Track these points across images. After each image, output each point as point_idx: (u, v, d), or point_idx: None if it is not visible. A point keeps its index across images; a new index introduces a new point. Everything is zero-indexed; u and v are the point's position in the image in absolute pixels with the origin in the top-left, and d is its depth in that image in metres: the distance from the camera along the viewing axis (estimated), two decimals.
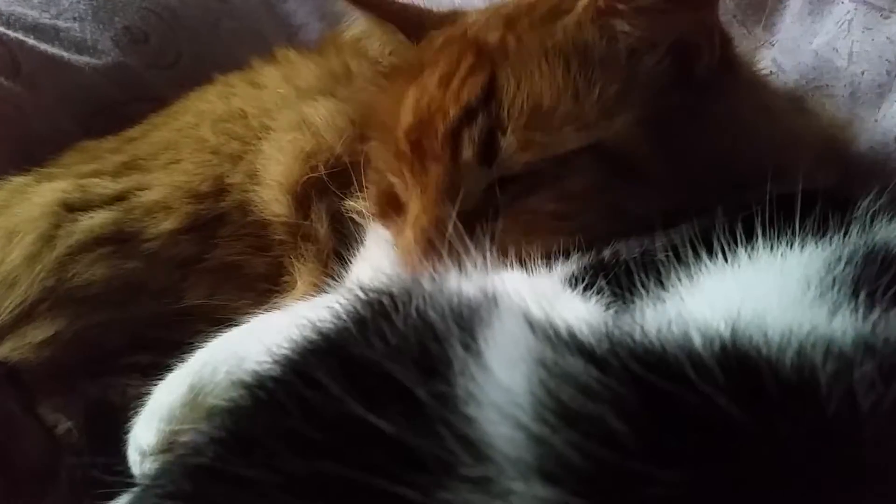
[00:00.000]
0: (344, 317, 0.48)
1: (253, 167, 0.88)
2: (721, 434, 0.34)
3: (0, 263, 0.82)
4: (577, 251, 0.64)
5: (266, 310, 0.80)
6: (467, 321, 0.42)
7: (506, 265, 0.61)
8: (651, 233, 0.62)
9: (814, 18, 0.92)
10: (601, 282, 0.55)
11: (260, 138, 0.90)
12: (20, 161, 0.96)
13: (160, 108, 1.04)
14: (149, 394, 0.67)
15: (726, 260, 0.51)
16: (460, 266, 0.52)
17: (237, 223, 0.86)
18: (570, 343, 0.39)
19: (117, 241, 0.85)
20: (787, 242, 0.52)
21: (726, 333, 0.39)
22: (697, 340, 0.38)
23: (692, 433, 0.34)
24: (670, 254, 0.54)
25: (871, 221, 0.55)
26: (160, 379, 0.68)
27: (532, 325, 0.40)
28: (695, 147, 0.68)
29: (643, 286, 0.52)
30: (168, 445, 0.64)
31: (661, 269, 0.53)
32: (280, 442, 0.39)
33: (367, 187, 0.80)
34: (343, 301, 0.49)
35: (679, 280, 0.51)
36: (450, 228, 0.63)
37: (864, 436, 0.35)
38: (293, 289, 0.84)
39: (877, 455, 0.35)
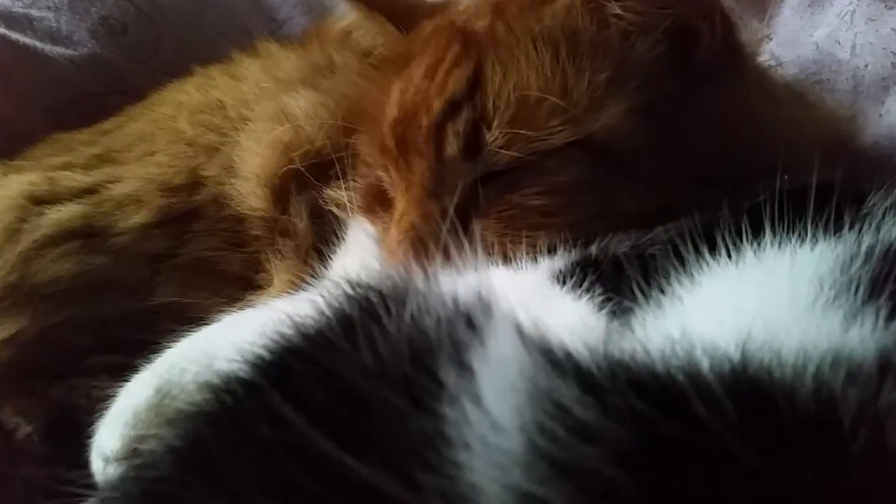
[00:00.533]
0: (328, 313, 0.44)
1: (229, 159, 0.85)
2: (733, 483, 0.30)
3: None
4: (564, 246, 0.61)
5: (241, 308, 0.77)
6: (461, 335, 0.39)
7: (492, 261, 0.58)
8: (643, 228, 0.59)
9: (814, 10, 0.89)
10: (591, 278, 0.51)
11: (237, 130, 0.87)
12: None
13: (138, 102, 1.01)
14: (115, 396, 0.64)
15: (730, 257, 0.47)
16: (451, 264, 0.49)
17: (212, 217, 0.83)
18: (565, 367, 0.35)
19: (85, 235, 0.81)
20: (798, 239, 0.47)
21: (736, 356, 0.35)
22: (704, 365, 0.34)
23: (700, 482, 0.30)
24: (669, 250, 0.50)
25: (884, 218, 0.51)
26: (127, 380, 0.65)
27: (525, 342, 0.37)
28: (692, 139, 0.65)
29: (638, 287, 0.48)
30: (132, 451, 0.60)
31: (658, 267, 0.49)
32: (240, 461, 0.36)
33: (354, 180, 0.78)
34: (327, 295, 0.45)
35: (679, 281, 0.47)
36: (436, 226, 0.61)
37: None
38: (270, 286, 0.81)
39: None
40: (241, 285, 0.81)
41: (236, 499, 0.34)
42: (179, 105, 0.94)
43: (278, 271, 0.81)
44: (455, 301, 0.41)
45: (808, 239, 0.47)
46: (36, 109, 1.05)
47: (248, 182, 0.83)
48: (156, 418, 0.60)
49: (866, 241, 0.46)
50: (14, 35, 1.06)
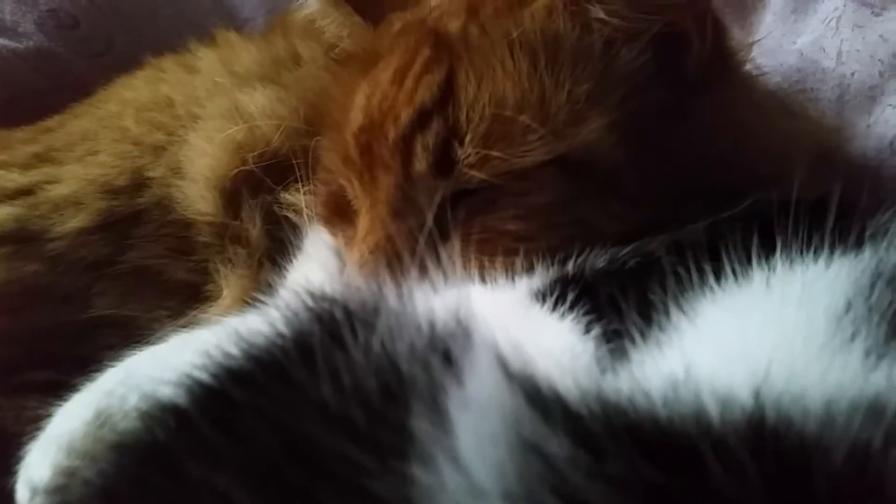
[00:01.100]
0: (283, 331, 0.39)
1: (177, 160, 0.80)
2: None
3: None
4: (541, 265, 0.57)
5: (187, 323, 0.74)
6: (437, 373, 0.34)
7: (468, 279, 0.54)
8: (622, 245, 0.55)
9: (797, 17, 0.87)
10: (572, 295, 0.46)
11: (186, 128, 0.82)
12: None
13: (87, 99, 0.96)
14: (48, 417, 0.60)
15: (734, 279, 0.42)
16: (426, 280, 0.45)
17: (156, 222, 0.78)
18: (554, 412, 0.30)
19: (18, 240, 0.77)
20: (808, 259, 0.42)
21: (749, 402, 0.30)
22: (714, 413, 0.29)
23: None
24: (660, 267, 0.45)
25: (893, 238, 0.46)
26: (63, 401, 0.61)
27: (508, 379, 0.31)
28: (679, 152, 0.61)
29: (627, 308, 0.42)
30: (64, 482, 0.56)
31: (647, 286, 0.44)
32: None
33: (314, 185, 0.74)
34: (284, 307, 0.40)
35: (675, 304, 0.42)
36: (402, 248, 0.58)
37: None
38: (219, 299, 0.76)
39: None
40: (186, 297, 0.77)
41: None
42: (126, 102, 0.89)
43: (228, 282, 0.76)
44: (431, 325, 0.36)
45: (820, 259, 0.42)
46: None
47: (195, 184, 0.78)
48: (93, 446, 0.56)
49: (880, 264, 0.41)
50: None
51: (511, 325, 0.45)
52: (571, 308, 0.47)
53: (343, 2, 0.73)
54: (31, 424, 0.60)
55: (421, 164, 0.61)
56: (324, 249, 0.72)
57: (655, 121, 0.60)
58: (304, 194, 0.74)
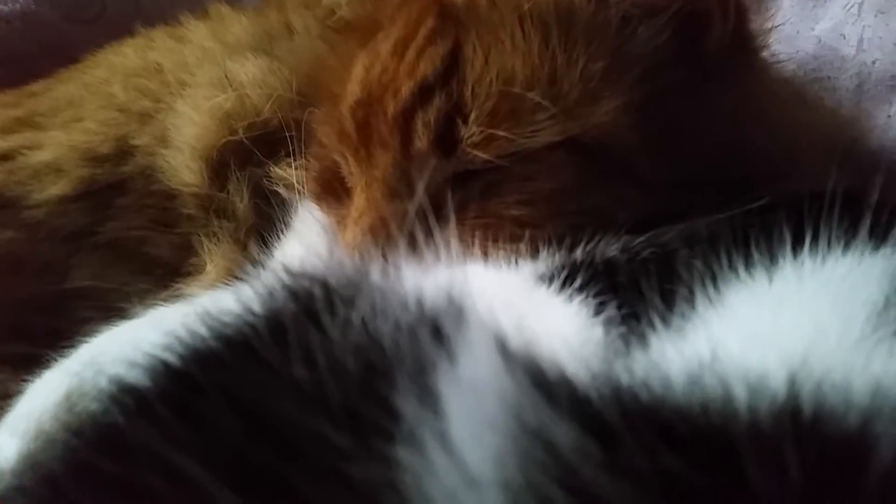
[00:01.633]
0: (255, 309, 0.36)
1: (163, 128, 0.77)
2: None
3: None
4: (546, 250, 0.54)
5: (168, 298, 0.71)
6: (426, 348, 0.31)
7: (466, 259, 0.50)
8: (633, 234, 0.52)
9: (817, 2, 0.83)
10: (582, 279, 0.43)
11: (174, 95, 0.79)
12: None
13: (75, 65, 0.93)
14: (20, 393, 0.59)
15: (761, 271, 0.39)
16: (417, 257, 0.42)
17: (139, 192, 0.75)
18: (560, 395, 0.27)
19: None
20: (840, 252, 0.39)
21: (783, 391, 0.27)
22: (744, 402, 0.26)
23: None
24: (679, 257, 0.42)
25: None
26: (35, 376, 0.59)
27: (507, 359, 0.28)
28: (694, 139, 0.58)
29: (642, 293, 0.39)
30: (31, 463, 0.51)
31: (664, 274, 0.41)
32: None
33: (306, 159, 0.70)
34: (259, 285, 0.37)
35: (700, 293, 0.38)
36: (398, 229, 0.54)
37: None
38: (202, 274, 0.73)
39: None
40: (168, 271, 0.74)
41: None
42: (114, 68, 0.86)
43: (212, 257, 0.73)
44: (420, 302, 0.33)
45: (850, 253, 0.39)
46: None
47: (181, 153, 0.75)
48: (62, 425, 0.53)
49: None
50: None
51: (512, 303, 0.42)
52: (580, 291, 0.44)
53: None
54: (1, 399, 0.59)
55: (421, 141, 0.58)
56: (314, 227, 0.69)
57: (671, 104, 0.57)
58: (296, 169, 0.71)
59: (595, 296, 0.44)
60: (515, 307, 0.41)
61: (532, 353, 0.31)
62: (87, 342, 0.60)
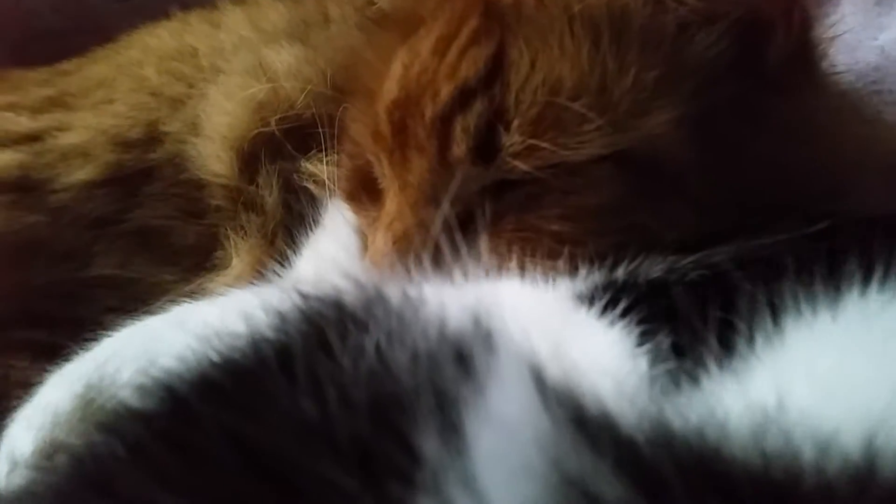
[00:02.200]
0: (266, 335, 0.34)
1: (194, 114, 0.76)
2: None
3: None
4: (586, 269, 0.51)
5: (193, 291, 0.70)
6: (448, 380, 0.29)
7: (496, 275, 0.48)
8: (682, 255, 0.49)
9: (882, 9, 0.80)
10: (624, 302, 0.41)
11: (208, 81, 0.78)
12: None
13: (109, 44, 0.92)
14: (39, 382, 0.57)
15: (830, 305, 0.36)
16: (442, 274, 0.40)
17: (167, 180, 0.74)
18: (604, 440, 0.24)
19: (20, 188, 0.74)
20: None
21: (857, 451, 0.24)
22: (810, 458, 0.24)
23: None
24: (737, 287, 0.39)
25: None
26: (55, 364, 0.58)
27: (543, 393, 0.25)
28: (750, 156, 0.55)
29: (690, 322, 0.36)
30: (47, 459, 0.53)
31: (715, 302, 0.38)
32: None
33: (339, 158, 0.68)
34: (270, 309, 0.35)
35: (760, 328, 0.35)
36: (431, 237, 0.51)
37: None
38: (228, 268, 0.72)
39: None
40: (193, 263, 0.73)
41: None
42: (149, 49, 0.85)
43: (238, 251, 0.72)
44: (442, 327, 0.30)
45: None
46: None
47: (212, 143, 0.74)
48: (79, 421, 0.53)
49: None
50: None
51: (548, 326, 0.39)
52: (623, 316, 0.41)
53: None
54: (18, 388, 0.58)
55: (459, 148, 0.55)
56: (343, 227, 0.67)
57: (728, 118, 0.54)
58: (327, 165, 0.69)
59: (639, 323, 0.41)
60: (551, 331, 0.38)
61: (571, 385, 0.28)
62: (107, 336, 0.58)
